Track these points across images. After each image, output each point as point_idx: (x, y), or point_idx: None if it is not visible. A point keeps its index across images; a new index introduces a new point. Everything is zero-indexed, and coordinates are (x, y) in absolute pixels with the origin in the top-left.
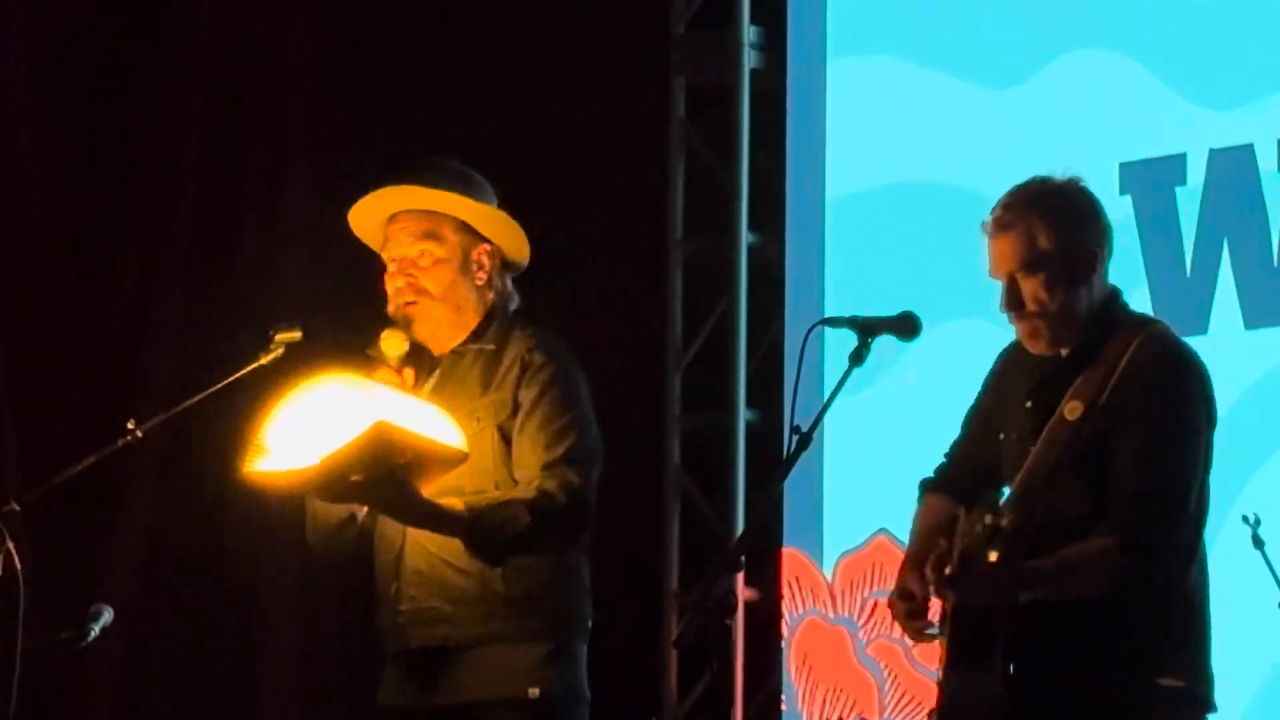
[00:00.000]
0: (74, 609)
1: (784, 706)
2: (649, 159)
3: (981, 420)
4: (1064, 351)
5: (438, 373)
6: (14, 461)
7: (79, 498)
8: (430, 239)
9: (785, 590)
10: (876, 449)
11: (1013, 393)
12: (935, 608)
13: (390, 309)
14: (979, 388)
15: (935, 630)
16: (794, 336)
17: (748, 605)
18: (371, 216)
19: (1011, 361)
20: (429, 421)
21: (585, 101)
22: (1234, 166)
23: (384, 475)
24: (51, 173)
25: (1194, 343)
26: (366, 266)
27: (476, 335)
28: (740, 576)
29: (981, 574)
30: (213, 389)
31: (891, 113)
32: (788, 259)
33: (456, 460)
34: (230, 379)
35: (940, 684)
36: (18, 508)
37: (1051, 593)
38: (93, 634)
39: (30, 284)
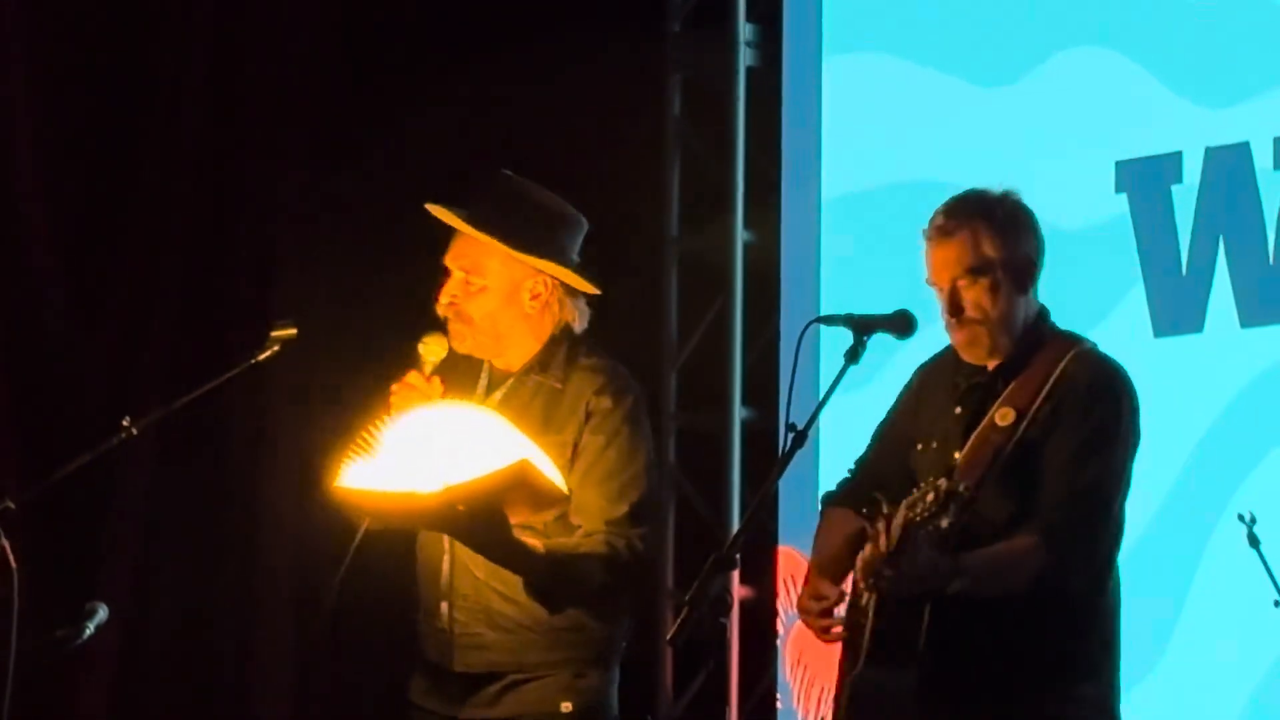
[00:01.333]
0: (69, 607)
1: (779, 704)
2: (644, 157)
3: (894, 434)
4: (991, 364)
5: (499, 394)
6: (10, 460)
7: (75, 496)
8: (475, 268)
9: (781, 588)
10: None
11: (935, 403)
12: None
13: (440, 314)
14: (893, 401)
15: (842, 630)
16: (790, 335)
17: (743, 603)
18: (441, 216)
19: (931, 375)
20: (545, 463)
21: (581, 99)
22: (1230, 165)
23: (489, 510)
24: (49, 172)
25: (1189, 341)
26: (363, 267)
27: (542, 365)
28: (735, 575)
29: (919, 552)
30: (209, 386)
31: (887, 111)
32: (783, 257)
33: (560, 503)
34: (226, 376)
35: (843, 677)
36: (13, 506)
37: (976, 587)
38: (88, 632)
39: (27, 282)
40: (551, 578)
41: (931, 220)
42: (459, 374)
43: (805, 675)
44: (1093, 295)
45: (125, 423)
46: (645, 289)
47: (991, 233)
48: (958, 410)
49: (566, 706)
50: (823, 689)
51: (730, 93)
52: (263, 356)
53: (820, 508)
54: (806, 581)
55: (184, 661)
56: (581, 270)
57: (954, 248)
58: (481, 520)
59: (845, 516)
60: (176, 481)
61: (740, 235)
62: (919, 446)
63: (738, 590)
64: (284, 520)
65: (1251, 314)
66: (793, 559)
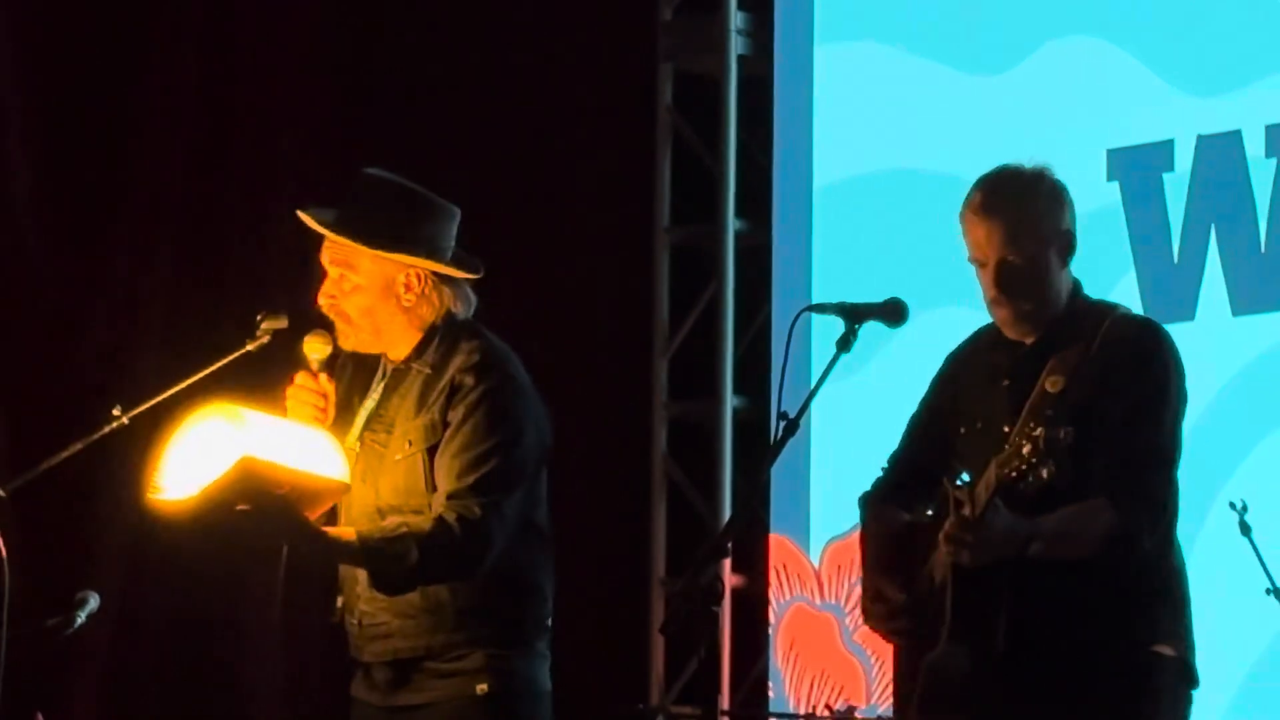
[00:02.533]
0: (60, 596)
1: (771, 692)
2: (636, 146)
3: (932, 424)
4: (1029, 340)
5: (382, 386)
6: (1, 448)
7: (66, 484)
8: (346, 266)
9: (772, 576)
10: (864, 435)
11: (974, 386)
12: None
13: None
14: (924, 394)
15: (908, 626)
16: (781, 323)
17: (735, 592)
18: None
19: (965, 360)
20: (310, 452)
21: (572, 88)
22: (1221, 153)
23: (269, 504)
24: (40, 161)
25: (1181, 329)
26: None
27: (419, 352)
28: (727, 563)
29: (998, 517)
30: (199, 375)
31: (879, 99)
32: (775, 245)
33: (337, 491)
34: (217, 365)
35: (906, 663)
36: (4, 494)
37: (1052, 550)
38: (79, 621)
39: (18, 271)
40: (371, 565)
41: (970, 198)
42: (365, 370)
43: (797, 663)
44: (1085, 283)
45: (116, 411)
46: (636, 278)
47: (1036, 208)
48: (1006, 384)
49: (482, 688)
50: (814, 677)
51: (722, 81)
52: (254, 346)
53: (860, 508)
54: (865, 581)
55: (176, 650)
56: (457, 258)
57: (999, 225)
58: (270, 516)
59: (889, 510)
60: None
61: (731, 224)
62: (963, 430)
63: (729, 578)
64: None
65: (1243, 302)
66: (785, 547)
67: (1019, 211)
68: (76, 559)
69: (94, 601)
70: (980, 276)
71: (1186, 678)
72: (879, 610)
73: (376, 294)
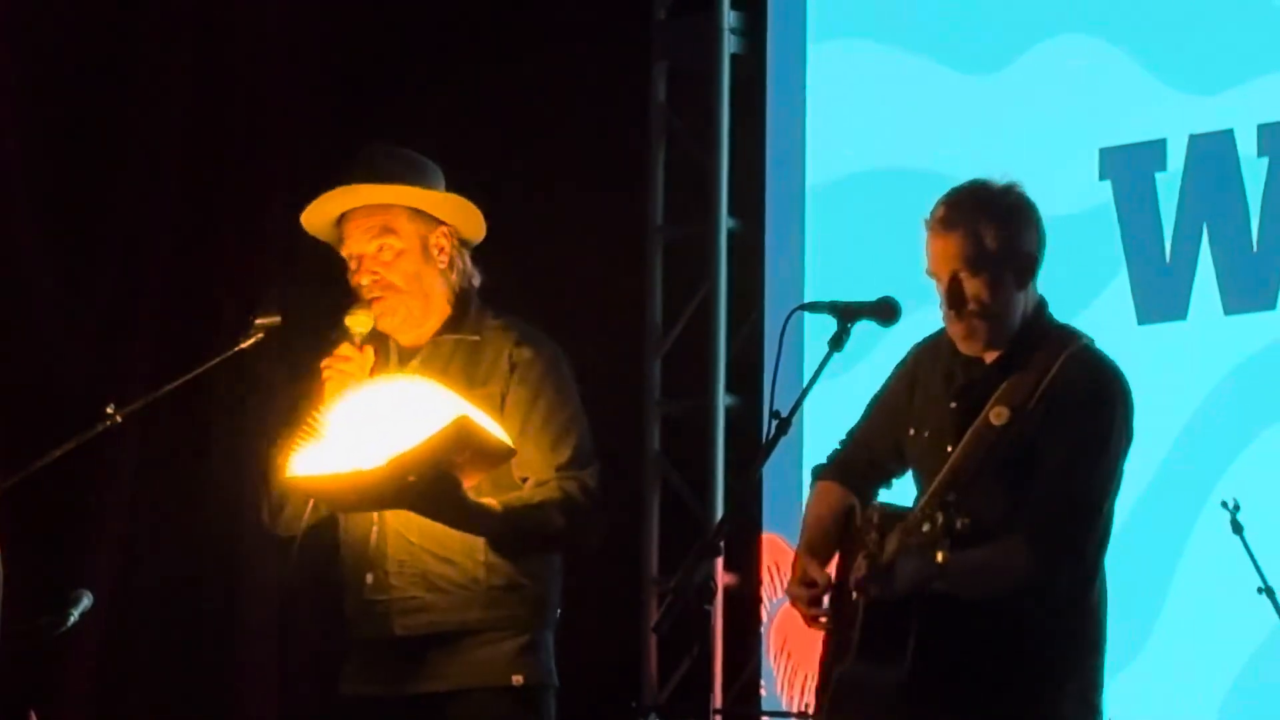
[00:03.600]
0: (54, 594)
1: (763, 691)
2: (629, 144)
3: (888, 412)
4: (989, 357)
5: (416, 362)
6: None
7: (59, 482)
8: (386, 233)
9: (765, 575)
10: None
11: (930, 391)
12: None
13: (365, 297)
14: (888, 377)
15: (827, 618)
16: (774, 322)
17: (727, 590)
18: (322, 217)
19: (927, 358)
20: (484, 419)
21: (566, 87)
22: (1214, 152)
23: (439, 476)
24: (34, 162)
25: (1173, 328)
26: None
27: (455, 324)
28: (720, 562)
29: (911, 566)
30: (193, 373)
31: (872, 98)
32: (768, 244)
33: (506, 458)
34: (210, 363)
35: (825, 669)
36: None
37: (962, 589)
38: (72, 619)
39: (12, 270)
40: (513, 532)
41: (933, 211)
42: (391, 356)
43: (789, 662)
44: (1077, 282)
45: (110, 409)
46: (629, 276)
47: (994, 227)
48: (953, 405)
49: (518, 679)
50: (806, 676)
51: (715, 80)
52: (247, 343)
53: (810, 480)
54: (795, 563)
55: (169, 647)
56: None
57: (955, 240)
58: (434, 487)
59: (835, 492)
60: (161, 468)
61: (725, 222)
62: (911, 432)
63: (722, 577)
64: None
65: (1235, 301)
66: (777, 546)
67: (975, 229)
68: (70, 557)
69: (87, 600)
70: (938, 291)
71: (1088, 707)
72: (802, 594)
73: (419, 256)
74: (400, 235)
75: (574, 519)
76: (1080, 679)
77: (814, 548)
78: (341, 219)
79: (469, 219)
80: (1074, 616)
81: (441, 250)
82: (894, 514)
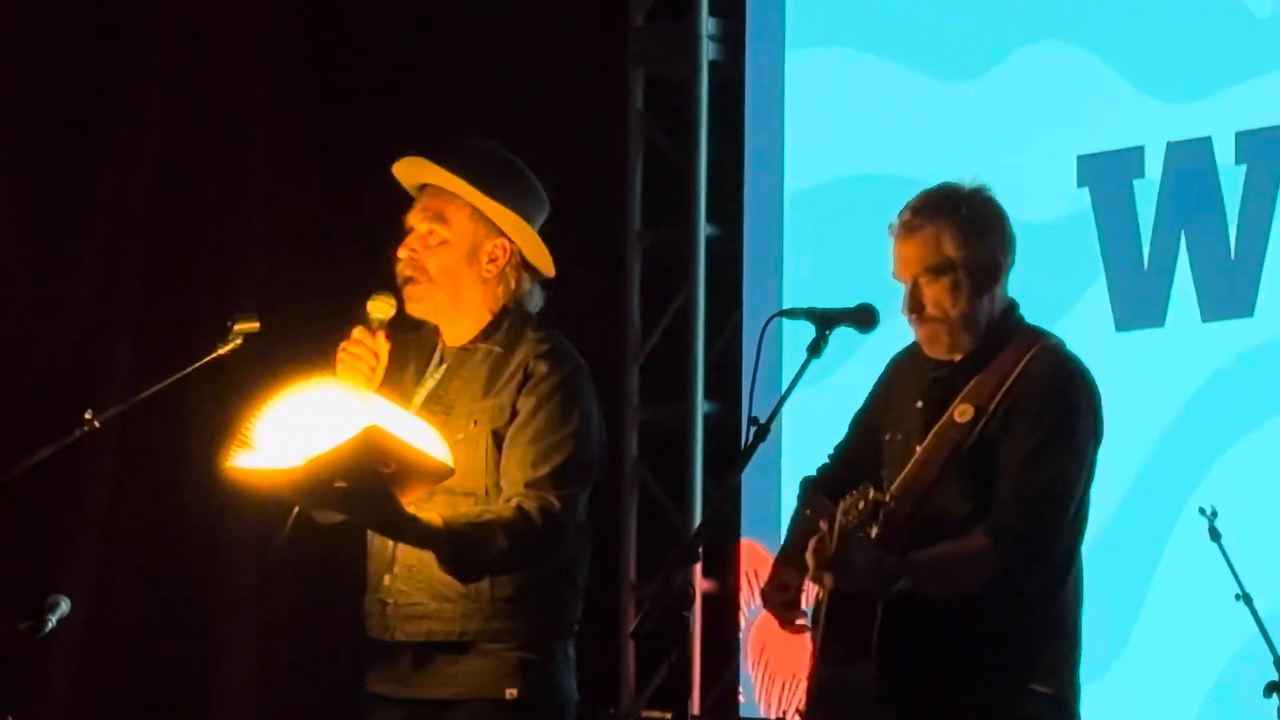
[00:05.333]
0: (31, 600)
1: (742, 698)
2: (607, 151)
3: (867, 422)
4: (957, 357)
5: (445, 367)
6: None
7: (36, 489)
8: (439, 220)
9: (743, 582)
10: (835, 440)
11: (903, 395)
12: (809, 596)
13: (398, 278)
14: (870, 388)
15: (807, 621)
16: (752, 328)
17: (706, 596)
18: (407, 179)
19: (904, 365)
20: (420, 435)
21: (543, 93)
22: (1192, 159)
23: (368, 483)
24: (10, 163)
25: (1151, 335)
26: (325, 258)
27: (487, 334)
28: (698, 568)
29: (860, 550)
30: (170, 379)
31: (850, 105)
32: (746, 251)
33: (442, 475)
34: (188, 370)
35: (810, 674)
36: None
37: (926, 587)
38: (50, 625)
39: None
40: (451, 549)
41: (899, 215)
42: (416, 350)
43: (767, 669)
44: (1055, 290)
45: (87, 415)
46: (608, 282)
47: (954, 232)
48: (919, 405)
49: (511, 693)
50: (784, 682)
51: (693, 86)
52: (225, 349)
53: (798, 492)
54: (772, 569)
55: (147, 654)
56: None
57: (916, 245)
58: (362, 495)
59: (820, 503)
60: (139, 474)
61: (703, 229)
62: (887, 436)
63: (700, 583)
64: (247, 512)
65: (1213, 308)
66: (755, 552)
67: (936, 234)
68: (47, 562)
69: (65, 605)
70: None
71: (1063, 715)
72: (776, 599)
73: (462, 255)
74: (451, 226)
75: (519, 541)
76: (1052, 680)
77: (791, 554)
78: (420, 188)
79: (533, 247)
80: (1044, 616)
81: (493, 260)
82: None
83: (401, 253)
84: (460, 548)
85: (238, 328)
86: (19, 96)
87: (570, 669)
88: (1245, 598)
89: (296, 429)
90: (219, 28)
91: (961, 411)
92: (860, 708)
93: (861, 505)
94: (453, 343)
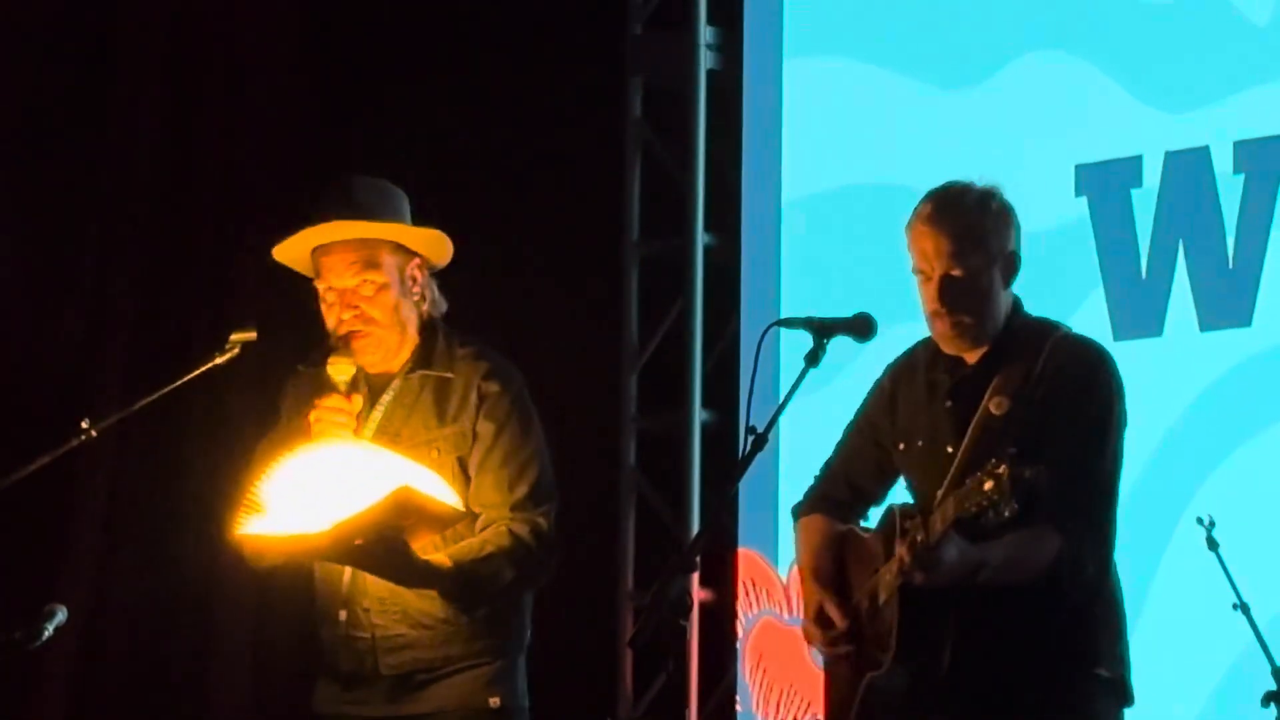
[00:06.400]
0: (28, 609)
1: (739, 707)
2: (605, 159)
3: (867, 437)
4: (972, 357)
5: (386, 397)
6: None
7: (33, 498)
8: (370, 268)
9: (740, 591)
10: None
11: (912, 401)
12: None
13: (332, 336)
14: (860, 405)
15: (849, 650)
16: (750, 337)
17: (703, 606)
18: (298, 248)
19: (904, 374)
20: (430, 482)
21: (541, 101)
22: (1190, 169)
23: (387, 539)
24: (6, 168)
25: (1149, 344)
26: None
27: (425, 356)
28: (695, 577)
29: (951, 544)
30: (168, 388)
31: (848, 114)
32: (744, 260)
33: (454, 520)
34: (186, 379)
35: (849, 680)
36: None
37: (1000, 575)
38: (46, 634)
39: None
40: (463, 588)
41: (918, 209)
42: (317, 388)
43: (764, 677)
44: (1053, 298)
45: (84, 424)
46: (605, 291)
47: (984, 226)
48: (948, 404)
49: (495, 701)
50: (782, 691)
51: (691, 95)
52: (223, 359)
53: (793, 520)
54: (805, 596)
55: (142, 663)
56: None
57: (945, 238)
58: (380, 551)
59: (823, 522)
60: (136, 483)
61: (701, 238)
62: (901, 446)
63: (698, 593)
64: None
65: (1211, 317)
66: (753, 561)
67: (967, 226)
68: (44, 572)
69: (61, 614)
70: (922, 289)
71: (1122, 698)
72: (821, 636)
73: (397, 291)
74: (383, 270)
75: (523, 567)
76: (1112, 662)
77: (821, 574)
78: (319, 249)
79: (438, 247)
80: (1098, 602)
81: (415, 281)
82: (915, 509)
83: (344, 314)
84: (471, 584)
85: (235, 337)
86: (13, 100)
87: (525, 680)
88: (1243, 607)
89: (311, 491)
90: (217, 30)
91: (997, 404)
92: (925, 706)
93: (990, 485)
94: (380, 371)
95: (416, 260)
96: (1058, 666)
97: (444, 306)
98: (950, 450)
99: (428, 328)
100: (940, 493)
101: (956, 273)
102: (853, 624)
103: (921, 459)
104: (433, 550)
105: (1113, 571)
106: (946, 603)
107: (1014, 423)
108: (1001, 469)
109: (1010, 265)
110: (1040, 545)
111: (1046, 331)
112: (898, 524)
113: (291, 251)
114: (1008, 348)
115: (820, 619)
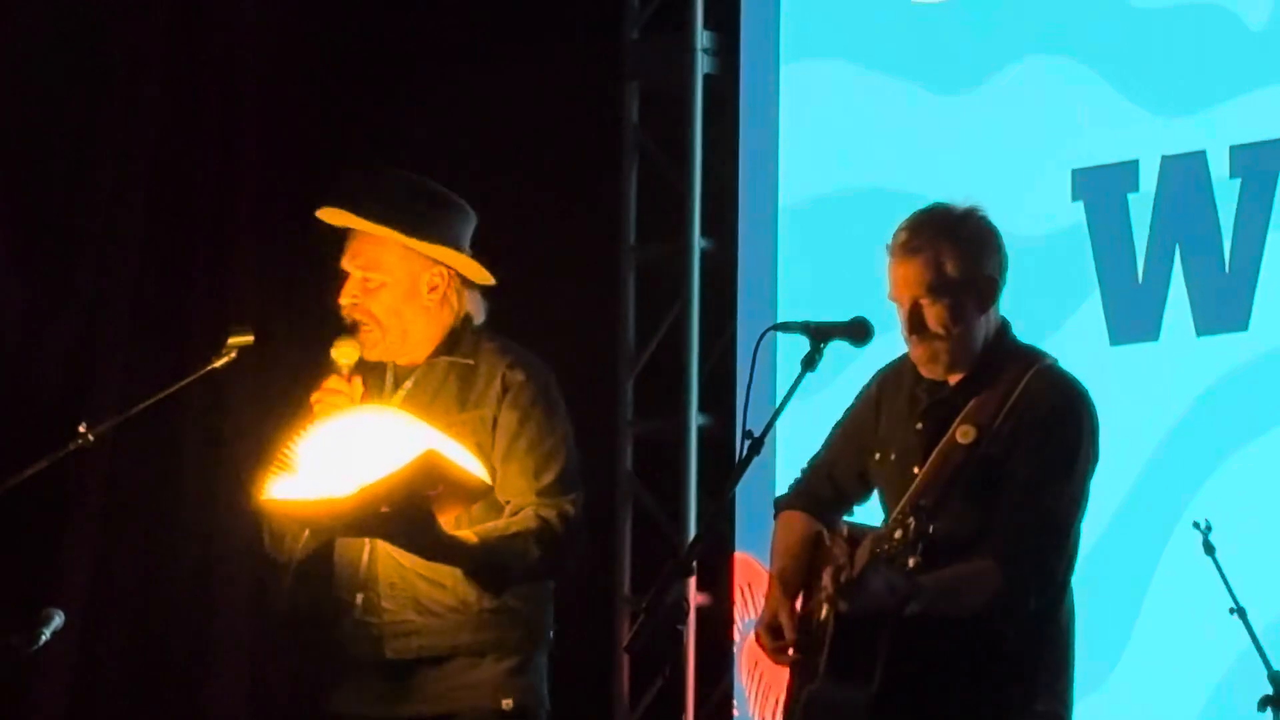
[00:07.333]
0: (24, 613)
1: (735, 711)
2: (602, 164)
3: (851, 439)
4: (953, 379)
5: (409, 383)
6: None
7: (30, 502)
8: (372, 266)
9: (737, 595)
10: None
11: (894, 412)
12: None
13: (345, 321)
14: (850, 404)
15: (797, 659)
16: (747, 342)
17: (700, 610)
18: (334, 220)
19: (891, 382)
20: (460, 454)
21: (538, 106)
22: (1186, 173)
23: (413, 508)
24: (4, 168)
25: (1145, 349)
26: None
27: (449, 347)
28: (692, 582)
29: (877, 576)
30: (165, 392)
31: (845, 118)
32: (740, 264)
33: (482, 494)
34: (183, 382)
35: (794, 689)
36: None
37: (933, 608)
38: (43, 638)
39: None
40: (489, 565)
41: (895, 236)
42: (367, 379)
43: (761, 682)
44: (1049, 303)
45: (82, 429)
46: (602, 296)
47: (955, 252)
48: (919, 426)
49: (507, 703)
50: (779, 696)
51: (688, 100)
52: (220, 363)
53: (774, 512)
54: (767, 599)
55: (140, 667)
56: (477, 259)
57: (916, 266)
58: (408, 519)
59: (801, 519)
60: (133, 488)
61: (697, 242)
62: (877, 456)
63: (694, 597)
64: (240, 526)
65: (1207, 322)
66: (749, 566)
67: (937, 254)
68: (41, 576)
69: (58, 618)
70: (898, 315)
71: None
72: (771, 644)
73: (402, 293)
74: (384, 270)
75: (550, 550)
76: (1049, 700)
77: (785, 578)
78: (347, 231)
79: (468, 267)
80: (1042, 638)
81: (434, 289)
82: (864, 531)
83: (344, 300)
84: (497, 562)
85: (232, 340)
86: (9, 106)
87: (545, 680)
88: (1240, 612)
89: (342, 454)
90: (213, 34)
91: (964, 432)
92: None
93: (899, 535)
94: (408, 362)
95: (440, 269)
96: (990, 699)
97: (480, 317)
98: (915, 471)
99: (456, 327)
100: (896, 510)
101: (925, 300)
102: (803, 633)
103: (890, 474)
104: (457, 528)
105: (1063, 611)
106: (878, 626)
107: (976, 454)
108: (911, 522)
109: (988, 289)
110: (978, 581)
111: (1029, 361)
112: (837, 544)
113: (330, 219)
114: (985, 375)
115: (772, 628)
